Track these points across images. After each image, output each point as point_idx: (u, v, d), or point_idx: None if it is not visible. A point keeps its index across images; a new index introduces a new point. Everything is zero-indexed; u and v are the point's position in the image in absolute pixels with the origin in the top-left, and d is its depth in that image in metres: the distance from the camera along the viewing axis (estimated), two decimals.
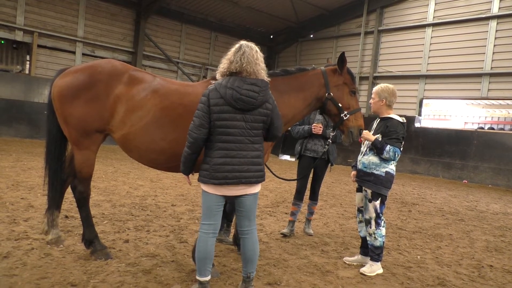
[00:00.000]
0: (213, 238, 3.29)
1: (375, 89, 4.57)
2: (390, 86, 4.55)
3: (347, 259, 4.73)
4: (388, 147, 4.24)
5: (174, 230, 5.35)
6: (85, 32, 18.37)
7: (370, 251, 4.46)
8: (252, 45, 3.26)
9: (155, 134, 3.78)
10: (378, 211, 4.40)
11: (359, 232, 4.71)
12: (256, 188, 3.30)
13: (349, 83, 4.34)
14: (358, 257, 4.70)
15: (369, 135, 4.36)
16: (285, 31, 23.98)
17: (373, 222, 4.40)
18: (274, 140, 3.51)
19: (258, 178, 3.24)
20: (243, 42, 3.26)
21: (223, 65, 3.22)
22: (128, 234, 4.95)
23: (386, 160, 4.36)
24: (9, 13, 16.35)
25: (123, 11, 19.40)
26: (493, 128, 22.84)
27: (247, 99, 3.09)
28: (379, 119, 4.58)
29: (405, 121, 4.50)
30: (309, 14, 22.13)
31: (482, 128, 22.30)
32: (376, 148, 4.31)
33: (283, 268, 4.31)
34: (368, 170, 4.42)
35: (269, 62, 24.12)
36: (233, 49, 3.23)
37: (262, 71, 3.22)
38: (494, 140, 15.87)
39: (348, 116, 4.24)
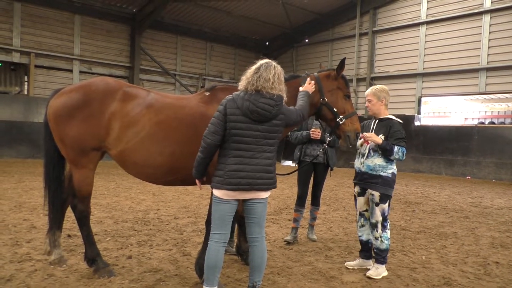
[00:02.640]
0: (223, 247, 3.36)
1: (370, 91, 4.56)
2: (384, 86, 4.61)
3: (349, 263, 4.71)
4: (396, 148, 4.24)
5: (177, 243, 5.34)
6: (81, 50, 18.50)
7: (376, 254, 4.43)
8: (271, 66, 3.33)
9: (151, 149, 3.79)
10: (386, 214, 4.39)
11: (360, 236, 4.68)
12: (267, 193, 3.41)
13: (343, 87, 4.35)
14: (359, 261, 4.68)
15: (376, 138, 4.31)
16: (280, 37, 24.08)
17: (379, 226, 4.38)
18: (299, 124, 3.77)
19: (270, 185, 3.36)
20: (262, 63, 3.35)
21: (242, 82, 3.36)
22: (131, 250, 4.94)
23: (391, 161, 4.37)
24: (5, 36, 16.50)
25: (118, 27, 19.55)
26: (493, 123, 22.78)
27: (262, 111, 3.23)
28: (377, 120, 4.56)
29: (401, 121, 4.53)
30: (303, 19, 22.23)
31: (482, 123, 22.25)
32: (385, 150, 4.28)
33: (287, 276, 4.29)
34: (374, 173, 4.39)
35: None
36: (253, 68, 3.34)
37: (279, 93, 3.33)
38: (495, 134, 15.84)
39: (344, 120, 4.24)
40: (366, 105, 4.64)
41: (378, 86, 4.60)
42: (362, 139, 4.39)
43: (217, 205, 3.33)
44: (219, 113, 3.27)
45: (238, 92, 3.34)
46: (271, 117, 3.27)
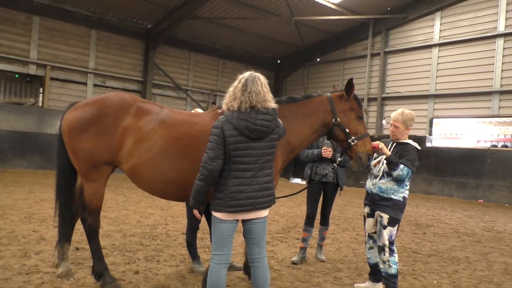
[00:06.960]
0: (225, 268, 3.28)
1: (400, 119, 4.40)
2: (412, 112, 4.47)
3: (358, 286, 4.63)
4: (402, 166, 4.16)
5: (185, 259, 5.31)
6: (96, 64, 18.80)
7: (385, 279, 4.34)
8: (256, 78, 3.24)
9: (163, 164, 3.80)
10: (392, 238, 4.31)
11: (368, 259, 4.60)
12: (267, 211, 3.36)
13: (356, 108, 4.32)
14: (368, 284, 4.59)
15: (385, 149, 4.29)
16: (292, 56, 24.26)
17: (387, 249, 4.29)
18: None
19: (270, 203, 3.31)
20: (247, 77, 3.24)
21: (232, 102, 3.21)
22: (138, 265, 4.92)
23: (403, 185, 4.29)
24: (22, 48, 16.85)
25: (132, 42, 19.87)
26: (506, 146, 22.48)
27: (262, 128, 3.17)
28: (395, 143, 4.48)
29: (419, 148, 4.46)
30: (315, 38, 22.40)
31: (495, 146, 21.96)
32: (390, 163, 4.20)
33: None
34: (385, 195, 4.32)
35: (277, 87, 24.33)
36: (239, 86, 3.22)
37: (270, 103, 3.26)
38: (508, 157, 15.59)
39: (356, 141, 4.19)
40: (391, 129, 4.49)
41: (407, 113, 4.42)
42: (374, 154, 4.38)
43: (217, 225, 3.25)
44: (216, 137, 3.15)
45: (229, 113, 3.21)
46: (270, 132, 3.23)
